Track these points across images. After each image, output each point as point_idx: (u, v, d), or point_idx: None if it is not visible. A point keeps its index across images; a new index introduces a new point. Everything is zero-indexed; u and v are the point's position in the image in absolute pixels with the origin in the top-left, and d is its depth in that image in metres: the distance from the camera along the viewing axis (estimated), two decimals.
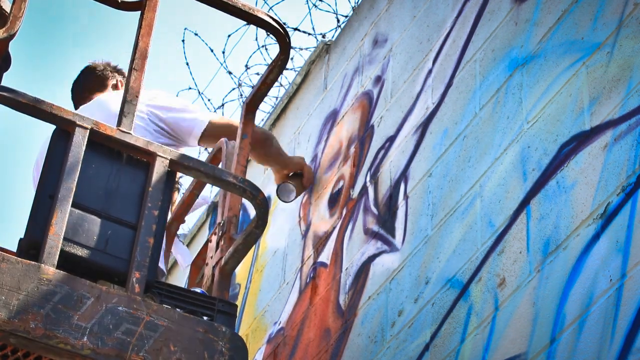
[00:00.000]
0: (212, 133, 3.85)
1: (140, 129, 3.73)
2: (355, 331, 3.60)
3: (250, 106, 3.30)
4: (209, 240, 3.22)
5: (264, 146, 4.12)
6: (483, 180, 3.20)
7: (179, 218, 3.72)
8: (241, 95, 6.00)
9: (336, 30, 5.30)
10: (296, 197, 4.23)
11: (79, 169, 2.60)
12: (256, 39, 5.88)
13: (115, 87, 4.21)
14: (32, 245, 2.54)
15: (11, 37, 2.70)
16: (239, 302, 4.74)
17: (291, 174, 4.30)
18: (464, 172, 3.31)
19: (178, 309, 2.59)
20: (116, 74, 4.23)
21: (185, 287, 3.35)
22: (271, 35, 3.13)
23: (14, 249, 2.71)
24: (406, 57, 4.04)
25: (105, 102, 3.91)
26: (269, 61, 5.65)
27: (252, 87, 3.38)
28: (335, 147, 4.36)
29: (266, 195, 4.75)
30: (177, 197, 4.26)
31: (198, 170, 2.76)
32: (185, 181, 5.56)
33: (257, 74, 6.08)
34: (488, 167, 3.20)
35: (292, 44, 4.57)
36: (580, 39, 3.00)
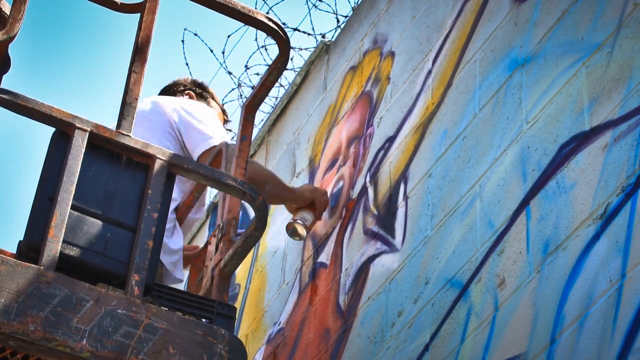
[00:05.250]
0: (215, 158, 3.61)
1: (160, 130, 3.69)
2: (355, 331, 3.60)
3: (250, 108, 3.30)
4: (208, 243, 3.21)
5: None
6: (483, 181, 3.20)
7: (180, 220, 3.71)
8: (241, 95, 6.00)
9: (336, 31, 5.30)
10: (309, 228, 4.00)
11: (79, 171, 2.60)
12: (256, 40, 5.87)
13: (181, 93, 4.17)
14: (31, 248, 2.54)
15: (11, 39, 2.69)
16: (238, 303, 4.74)
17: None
18: (464, 173, 3.31)
19: (177, 312, 2.59)
20: (191, 90, 4.19)
21: (185, 290, 3.35)
22: (271, 37, 3.13)
23: (14, 250, 2.71)
24: (406, 57, 4.04)
25: (158, 100, 3.87)
26: (269, 61, 5.66)
27: (252, 88, 3.37)
28: (335, 147, 4.36)
29: None
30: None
31: (197, 173, 2.75)
32: None
33: (257, 74, 6.08)
34: (488, 168, 3.19)
35: (292, 44, 4.56)
36: (580, 39, 3.00)
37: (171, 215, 3.57)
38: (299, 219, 3.96)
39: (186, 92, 4.19)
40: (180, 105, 3.82)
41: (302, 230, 3.95)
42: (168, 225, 3.53)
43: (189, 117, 3.77)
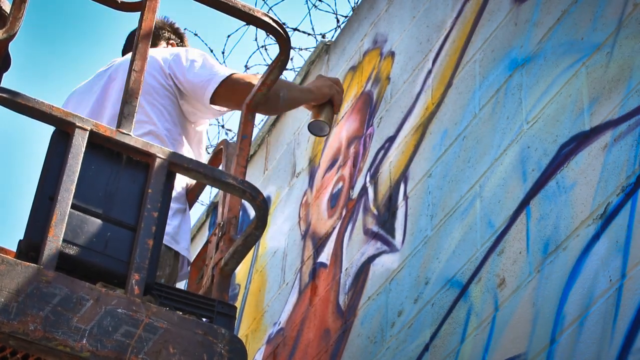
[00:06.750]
0: (230, 90, 3.45)
1: (152, 96, 3.47)
2: (355, 331, 3.60)
3: (250, 107, 3.29)
4: (208, 241, 3.21)
5: (271, 108, 3.67)
6: (483, 181, 3.20)
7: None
8: None
9: (336, 31, 5.31)
10: (330, 127, 3.87)
11: (79, 171, 2.60)
12: (256, 39, 5.89)
13: (166, 42, 3.92)
14: (31, 247, 2.54)
15: (11, 37, 2.69)
16: (238, 303, 4.74)
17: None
18: (464, 173, 3.31)
19: (177, 311, 2.59)
20: (172, 35, 3.92)
21: (185, 289, 3.34)
22: (271, 36, 3.13)
23: (14, 249, 2.71)
24: (406, 57, 4.04)
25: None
26: (269, 61, 5.66)
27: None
28: (335, 147, 4.36)
29: (265, 196, 4.75)
30: None
31: (197, 172, 2.75)
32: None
33: (257, 74, 6.08)
34: (488, 168, 3.20)
35: (292, 44, 4.56)
36: (580, 39, 3.00)
37: (182, 191, 3.48)
38: (322, 117, 3.84)
39: (170, 42, 3.93)
40: (168, 57, 3.58)
41: (326, 128, 3.84)
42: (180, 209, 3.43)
43: (184, 62, 3.54)
